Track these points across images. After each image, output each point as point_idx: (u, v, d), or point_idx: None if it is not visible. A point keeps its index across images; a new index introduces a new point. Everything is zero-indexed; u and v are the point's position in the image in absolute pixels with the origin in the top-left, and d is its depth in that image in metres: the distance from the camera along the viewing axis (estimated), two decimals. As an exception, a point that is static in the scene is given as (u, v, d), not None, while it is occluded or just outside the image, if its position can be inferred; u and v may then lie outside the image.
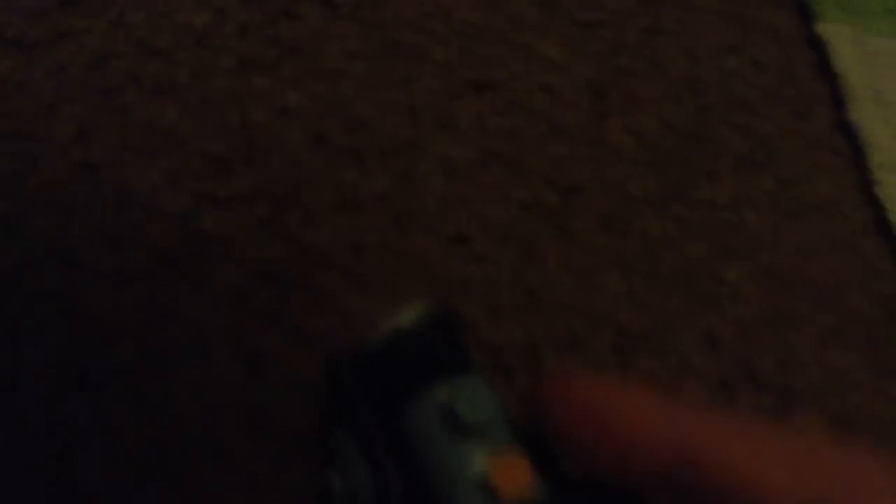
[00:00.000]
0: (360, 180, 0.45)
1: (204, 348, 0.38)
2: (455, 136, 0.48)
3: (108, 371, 0.37)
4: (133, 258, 0.40)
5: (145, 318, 0.39)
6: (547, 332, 0.42)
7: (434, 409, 0.29)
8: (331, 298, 0.41)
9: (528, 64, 0.52)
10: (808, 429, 0.40)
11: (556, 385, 0.29)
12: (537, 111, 0.50)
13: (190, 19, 0.48)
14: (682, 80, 0.53)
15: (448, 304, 0.34)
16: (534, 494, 0.27)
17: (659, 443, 0.27)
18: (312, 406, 0.37)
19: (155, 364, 0.37)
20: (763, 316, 0.44)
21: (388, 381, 0.30)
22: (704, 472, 0.26)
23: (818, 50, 0.56)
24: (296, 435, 0.36)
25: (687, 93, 0.52)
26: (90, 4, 0.47)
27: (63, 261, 0.39)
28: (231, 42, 0.48)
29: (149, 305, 0.39)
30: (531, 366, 0.41)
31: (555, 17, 0.54)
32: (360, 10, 0.51)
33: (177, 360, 0.38)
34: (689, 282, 0.45)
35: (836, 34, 0.56)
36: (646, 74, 0.53)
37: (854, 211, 0.49)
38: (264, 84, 0.47)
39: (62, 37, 0.46)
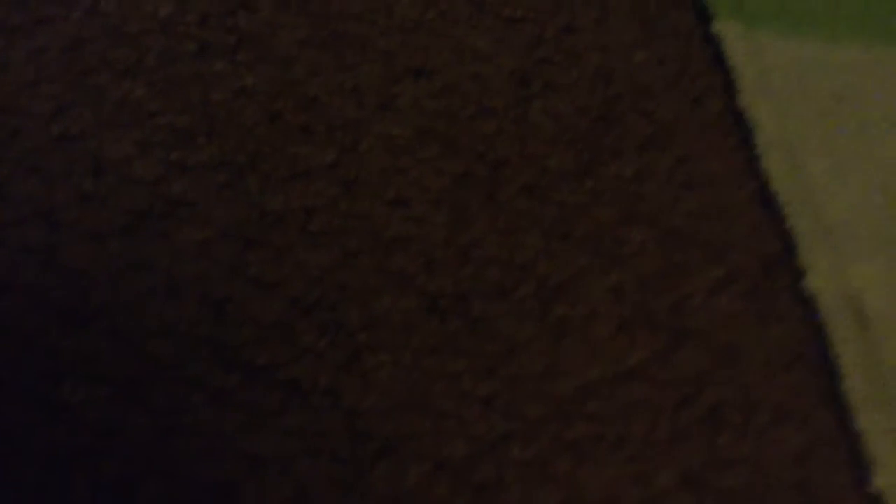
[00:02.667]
0: (311, 153, 0.49)
1: (174, 296, 0.42)
2: (395, 116, 0.52)
3: (88, 314, 0.40)
4: (109, 218, 0.43)
5: (121, 270, 0.42)
6: (476, 283, 0.46)
7: None
8: (286, 252, 0.45)
9: (460, 54, 0.56)
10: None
11: None
12: (468, 95, 0.54)
13: (155, 9, 0.52)
14: (595, 71, 0.58)
15: None
16: None
17: None
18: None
19: (131, 308, 0.41)
20: (660, 270, 0.49)
21: None
22: None
23: (713, 46, 0.61)
24: (258, 367, 0.40)
25: (599, 82, 0.57)
26: (64, -6, 0.51)
27: (46, 221, 0.43)
28: (193, 30, 0.52)
29: (124, 259, 0.42)
30: (462, 312, 0.45)
31: (482, 13, 0.58)
32: (309, 4, 0.55)
33: (150, 305, 0.41)
34: (598, 242, 0.50)
35: (730, 32, 0.61)
36: (563, 65, 0.57)
37: (742, 183, 0.55)
38: (223, 67, 0.51)
39: (40, 23, 0.49)
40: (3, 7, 0.49)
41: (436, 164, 0.51)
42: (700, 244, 0.51)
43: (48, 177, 0.44)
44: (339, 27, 0.55)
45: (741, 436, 0.44)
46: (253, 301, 0.42)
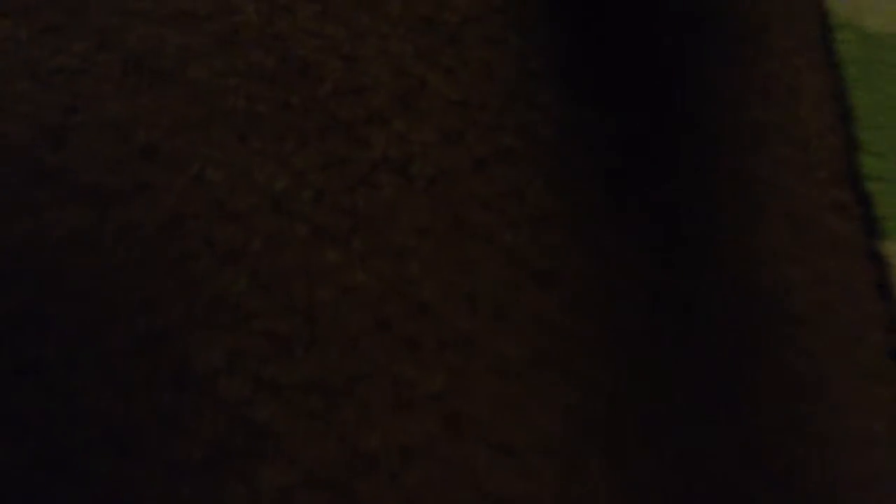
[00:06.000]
0: (417, 376, 0.43)
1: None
2: (512, 332, 0.46)
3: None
4: (186, 447, 0.38)
5: (190, 517, 0.37)
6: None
7: None
8: (375, 510, 0.39)
9: (592, 258, 0.49)
10: None
11: None
12: (594, 310, 0.48)
13: (269, 181, 0.46)
14: (740, 286, 0.50)
15: None
16: None
17: None
18: None
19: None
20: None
21: None
22: None
23: (879, 268, 0.53)
24: None
25: (745, 302, 0.50)
26: (171, 156, 0.45)
27: (115, 445, 0.37)
28: (307, 209, 0.46)
29: (198, 501, 0.37)
30: None
31: (622, 205, 0.51)
32: (435, 184, 0.49)
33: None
34: (720, 499, 0.43)
35: (899, 254, 0.53)
36: (703, 279, 0.50)
37: (900, 456, 0.47)
38: (334, 258, 0.45)
39: (139, 190, 0.44)
40: (99, 167, 0.44)
41: (551, 397, 0.44)
42: (847, 540, 0.43)
43: (124, 389, 0.39)
44: (464, 213, 0.48)
45: None
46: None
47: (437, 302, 0.45)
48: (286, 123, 0.48)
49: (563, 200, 0.50)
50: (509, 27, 0.58)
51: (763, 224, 0.53)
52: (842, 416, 0.48)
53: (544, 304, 0.47)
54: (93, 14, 0.44)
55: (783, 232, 0.53)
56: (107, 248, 0.42)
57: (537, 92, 0.55)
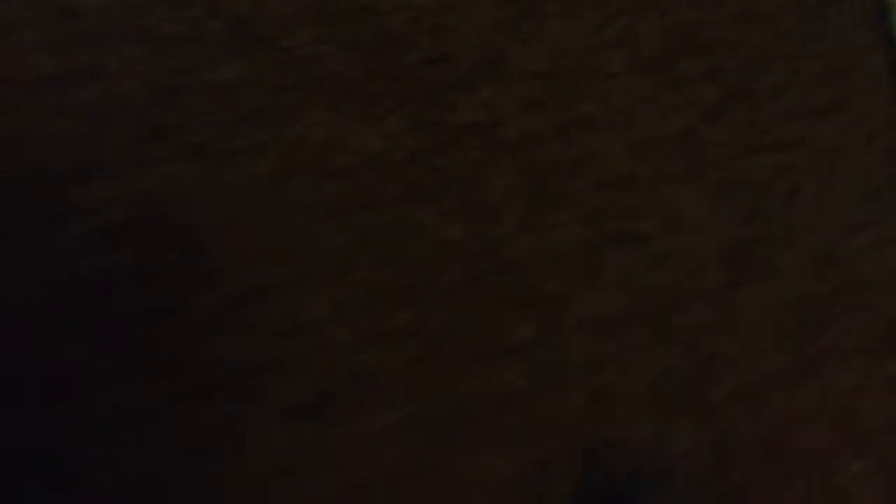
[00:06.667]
0: (511, 327, 0.44)
1: (352, 496, 0.38)
2: (601, 289, 0.47)
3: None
4: (298, 391, 0.40)
5: (302, 460, 0.38)
6: (678, 512, 0.41)
7: None
8: (476, 452, 0.40)
9: (670, 219, 0.51)
10: None
11: None
12: (677, 271, 0.49)
13: (365, 143, 0.48)
14: (816, 255, 0.51)
15: None
16: None
17: None
18: None
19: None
20: (883, 518, 0.43)
21: None
22: None
23: (946, 234, 0.54)
24: None
25: (820, 269, 0.51)
26: (275, 118, 0.47)
27: (230, 388, 0.39)
28: (401, 169, 0.48)
29: (307, 446, 0.39)
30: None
31: (698, 172, 0.53)
32: (520, 148, 0.50)
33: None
34: (809, 469, 0.44)
35: (966, 221, 0.54)
36: (781, 244, 0.51)
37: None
38: (428, 216, 0.47)
39: (245, 149, 0.46)
40: (208, 128, 0.45)
41: (643, 353, 0.45)
42: (926, 488, 0.44)
43: (238, 334, 0.40)
44: (548, 178, 0.50)
45: None
46: (441, 510, 0.38)
47: (528, 260, 0.47)
48: (378, 89, 0.50)
49: (640, 164, 0.52)
50: (583, 1, 0.59)
51: (837, 194, 0.54)
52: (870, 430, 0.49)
53: (629, 263, 0.48)
54: (203, -19, 0.46)
55: (848, 202, 0.55)
56: (218, 203, 0.44)
57: (611, 63, 0.57)
